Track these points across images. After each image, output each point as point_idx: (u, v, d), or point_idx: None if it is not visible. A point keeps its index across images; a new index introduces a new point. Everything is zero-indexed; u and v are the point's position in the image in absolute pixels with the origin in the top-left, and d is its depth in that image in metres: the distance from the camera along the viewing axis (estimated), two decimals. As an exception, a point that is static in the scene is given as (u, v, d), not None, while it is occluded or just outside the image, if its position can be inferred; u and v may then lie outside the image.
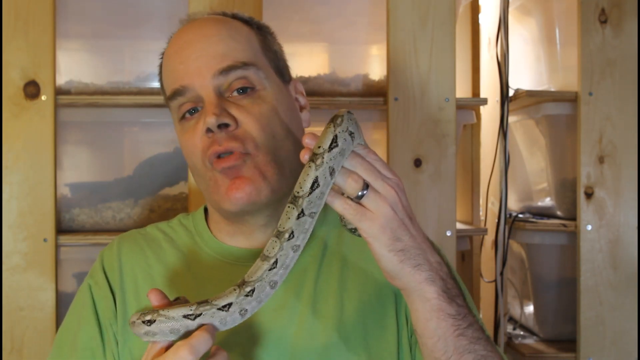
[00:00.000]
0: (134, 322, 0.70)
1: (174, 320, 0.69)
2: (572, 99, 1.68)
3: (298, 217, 0.70)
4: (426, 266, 0.72)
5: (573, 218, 1.70)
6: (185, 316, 0.69)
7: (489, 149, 1.91)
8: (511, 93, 1.78)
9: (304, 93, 1.00)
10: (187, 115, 0.90)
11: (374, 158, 0.73)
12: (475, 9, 1.97)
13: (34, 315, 1.46)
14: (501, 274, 1.75)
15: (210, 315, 0.69)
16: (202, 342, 0.67)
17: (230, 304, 0.70)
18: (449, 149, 1.55)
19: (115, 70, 1.60)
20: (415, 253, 0.72)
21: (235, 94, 0.88)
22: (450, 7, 1.56)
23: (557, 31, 1.81)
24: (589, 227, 1.65)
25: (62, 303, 1.48)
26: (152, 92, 1.57)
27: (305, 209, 0.70)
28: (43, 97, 1.48)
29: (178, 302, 0.74)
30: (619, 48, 1.65)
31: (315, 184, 0.69)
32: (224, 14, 0.96)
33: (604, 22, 1.64)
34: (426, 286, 0.72)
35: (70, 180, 1.59)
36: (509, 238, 1.77)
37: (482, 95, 1.91)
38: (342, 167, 0.72)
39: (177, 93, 0.89)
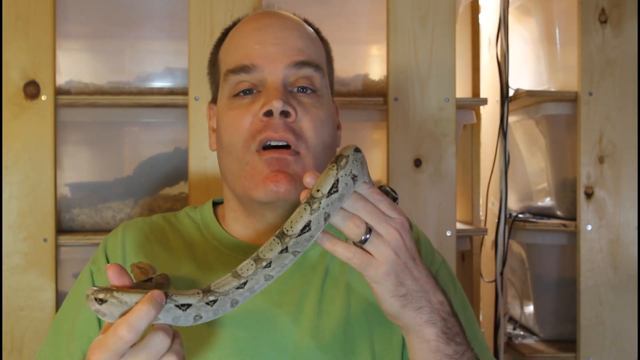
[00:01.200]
0: (88, 295, 0.66)
1: (126, 305, 0.64)
2: (572, 99, 1.68)
3: (280, 252, 0.68)
4: (427, 308, 0.72)
5: (573, 218, 1.70)
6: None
7: (489, 149, 1.91)
8: (511, 93, 1.78)
9: (339, 114, 1.02)
10: (241, 94, 0.89)
11: (378, 198, 0.71)
12: (475, 9, 1.97)
13: (34, 315, 1.46)
14: (501, 274, 1.75)
15: (166, 309, 0.65)
16: (141, 317, 0.62)
17: (189, 305, 0.66)
18: (449, 149, 1.55)
19: (115, 70, 1.60)
20: (418, 296, 0.71)
21: (296, 90, 0.88)
22: (450, 7, 1.56)
23: (557, 31, 1.81)
24: (589, 227, 1.65)
25: (62, 303, 1.48)
26: (152, 92, 1.57)
27: (290, 247, 0.68)
28: (43, 97, 1.48)
29: (143, 284, 0.71)
30: (619, 48, 1.65)
31: (306, 227, 0.68)
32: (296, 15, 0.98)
33: (604, 22, 1.64)
34: (426, 328, 0.72)
35: (70, 180, 1.59)
36: (509, 238, 1.77)
37: (482, 95, 1.91)
38: (343, 208, 0.70)
39: (244, 69, 0.88)
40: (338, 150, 0.71)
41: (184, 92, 1.54)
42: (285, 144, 0.85)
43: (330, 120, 0.92)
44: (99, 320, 0.88)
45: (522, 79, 1.96)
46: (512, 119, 1.90)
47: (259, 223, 0.91)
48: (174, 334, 0.66)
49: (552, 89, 1.84)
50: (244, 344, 0.84)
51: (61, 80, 1.55)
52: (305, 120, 0.86)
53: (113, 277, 0.67)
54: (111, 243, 0.94)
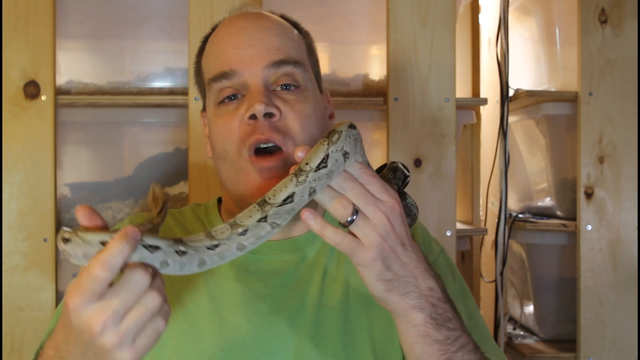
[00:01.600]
0: (57, 236, 0.64)
1: (89, 245, 0.62)
2: (572, 99, 1.68)
3: (259, 221, 0.67)
4: (415, 294, 0.72)
5: (573, 218, 1.70)
6: (102, 242, 0.61)
7: (489, 149, 1.91)
8: (511, 93, 1.78)
9: (331, 102, 1.02)
10: (226, 100, 0.89)
11: (369, 180, 0.70)
12: (475, 9, 1.97)
13: (34, 315, 1.46)
14: (501, 274, 1.75)
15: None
16: (115, 254, 0.59)
17: (157, 248, 0.63)
18: (449, 149, 1.55)
19: (115, 70, 1.60)
20: (405, 281, 0.71)
21: (279, 89, 0.89)
22: (450, 7, 1.56)
23: (557, 31, 1.81)
24: (589, 227, 1.65)
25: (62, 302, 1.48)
26: (152, 92, 1.57)
27: (269, 216, 0.67)
28: (43, 97, 1.48)
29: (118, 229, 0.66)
30: (619, 48, 1.65)
31: (289, 198, 0.67)
32: (272, 12, 0.97)
33: (604, 22, 1.64)
34: (413, 313, 0.72)
35: (70, 180, 1.59)
36: (509, 238, 1.77)
37: (482, 95, 1.91)
38: (331, 187, 0.69)
39: (224, 76, 0.89)
40: (332, 126, 0.70)
41: (184, 92, 1.54)
42: (273, 144, 0.85)
43: (319, 113, 0.92)
44: None
45: (522, 79, 1.96)
46: (512, 119, 1.90)
47: None
48: (154, 271, 0.63)
49: (552, 89, 1.84)
50: (246, 337, 0.85)
51: (61, 80, 1.55)
52: (290, 117, 0.87)
53: (83, 218, 0.65)
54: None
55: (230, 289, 0.88)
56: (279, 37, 0.90)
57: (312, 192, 0.67)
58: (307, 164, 0.67)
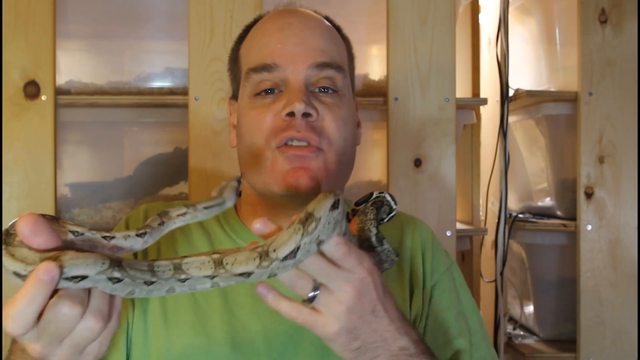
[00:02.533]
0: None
1: (5, 269, 0.57)
2: (572, 99, 1.68)
3: (205, 277, 0.61)
4: (384, 357, 0.69)
5: (573, 218, 1.70)
6: (16, 273, 0.57)
7: (489, 149, 1.91)
8: (511, 93, 1.78)
9: (358, 110, 1.02)
10: (263, 93, 0.89)
11: (342, 257, 0.64)
12: (475, 9, 1.97)
13: (34, 315, 1.46)
14: (501, 274, 1.75)
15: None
16: (23, 308, 0.55)
17: (85, 277, 0.55)
18: (449, 149, 1.55)
19: (115, 70, 1.60)
20: (374, 347, 0.68)
21: (317, 90, 0.89)
22: (450, 7, 1.56)
23: (557, 31, 1.81)
24: (589, 227, 1.64)
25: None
26: (152, 92, 1.57)
27: (217, 278, 0.61)
28: (43, 97, 1.48)
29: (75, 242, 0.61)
30: (619, 48, 1.65)
31: (246, 274, 0.60)
32: (316, 12, 0.97)
33: (604, 22, 1.64)
34: None
35: (70, 180, 1.59)
36: (509, 238, 1.77)
37: (482, 95, 1.91)
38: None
39: (266, 68, 0.88)
40: (311, 204, 0.62)
41: (184, 92, 1.54)
42: (306, 143, 0.85)
43: (352, 119, 0.92)
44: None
45: (522, 79, 1.96)
46: (512, 119, 1.90)
47: (279, 217, 0.91)
48: (91, 290, 0.57)
49: (552, 89, 1.84)
50: (255, 335, 0.85)
51: (61, 80, 1.55)
52: (327, 119, 0.87)
53: (26, 231, 0.56)
54: (133, 221, 0.94)
55: (240, 285, 0.88)
56: (324, 39, 0.90)
57: (273, 275, 0.61)
58: (274, 250, 0.60)
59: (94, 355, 0.60)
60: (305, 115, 0.85)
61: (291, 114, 0.85)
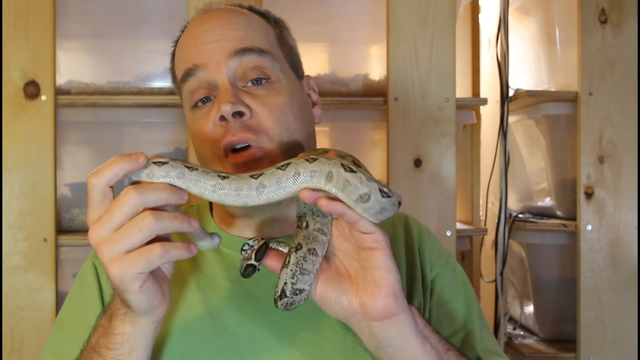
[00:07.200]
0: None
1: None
2: (572, 99, 1.68)
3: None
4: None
5: (573, 218, 1.70)
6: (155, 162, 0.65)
7: (489, 149, 1.91)
8: (511, 93, 1.78)
9: (316, 89, 0.99)
10: (200, 103, 0.88)
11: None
12: (475, 9, 1.97)
13: (34, 315, 1.46)
14: (501, 274, 1.75)
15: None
16: (108, 166, 0.63)
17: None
18: (449, 149, 1.55)
19: (115, 70, 1.60)
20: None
21: (249, 84, 0.87)
22: (450, 7, 1.56)
23: (557, 31, 1.81)
24: (589, 227, 1.65)
25: (62, 303, 1.48)
26: (152, 92, 1.57)
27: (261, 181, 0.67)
28: (43, 97, 1.48)
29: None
30: (619, 48, 1.65)
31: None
32: (240, 6, 0.96)
33: (604, 22, 1.64)
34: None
35: (70, 180, 1.59)
36: (509, 238, 1.77)
37: (482, 95, 1.91)
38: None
39: (189, 73, 0.87)
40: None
41: (184, 92, 1.54)
42: (247, 144, 0.84)
43: (296, 103, 0.89)
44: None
45: (522, 79, 1.96)
46: (512, 119, 1.90)
47: (252, 221, 0.91)
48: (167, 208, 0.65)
49: (552, 89, 1.84)
50: (239, 339, 0.84)
51: (61, 80, 1.55)
52: (262, 112, 0.85)
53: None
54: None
55: (222, 289, 0.87)
56: (241, 30, 0.88)
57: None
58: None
59: (134, 261, 0.63)
60: (237, 114, 0.83)
61: (223, 118, 0.83)
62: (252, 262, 0.71)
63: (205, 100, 0.87)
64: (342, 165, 0.64)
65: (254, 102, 0.85)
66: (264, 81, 0.87)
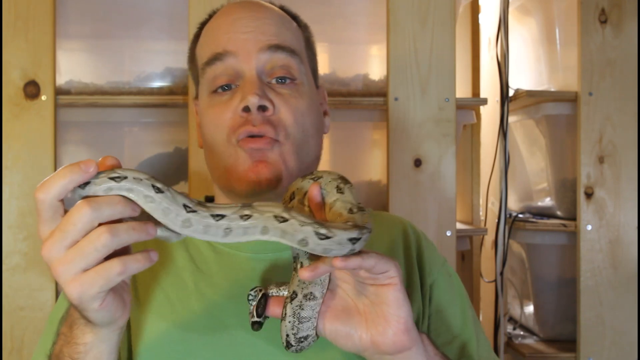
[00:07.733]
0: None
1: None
2: (572, 99, 1.68)
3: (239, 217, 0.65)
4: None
5: (573, 218, 1.70)
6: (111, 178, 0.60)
7: (489, 149, 1.91)
8: (511, 93, 1.78)
9: (327, 100, 1.01)
10: (220, 90, 0.88)
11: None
12: (475, 9, 1.97)
13: (34, 315, 1.46)
14: (501, 274, 1.75)
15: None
16: (53, 180, 0.58)
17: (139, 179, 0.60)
18: (449, 149, 1.55)
19: (115, 70, 1.60)
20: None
21: (274, 81, 0.87)
22: (450, 7, 1.56)
23: (557, 31, 1.81)
24: (589, 227, 1.65)
25: (62, 303, 1.48)
26: (152, 92, 1.57)
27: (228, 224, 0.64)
28: (43, 97, 1.48)
29: None
30: (619, 48, 1.65)
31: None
32: (272, 3, 0.96)
33: (604, 22, 1.64)
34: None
35: (70, 180, 1.59)
36: (509, 238, 1.77)
37: (482, 95, 1.91)
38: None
39: (217, 57, 0.87)
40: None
41: (184, 92, 1.54)
42: (264, 136, 0.84)
43: (313, 109, 0.91)
44: None
45: (522, 79, 1.96)
46: (512, 119, 1.90)
47: None
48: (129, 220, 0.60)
49: (552, 89, 1.84)
50: (243, 347, 0.84)
51: (61, 80, 1.55)
52: (283, 111, 0.86)
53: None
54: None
55: (221, 288, 0.87)
56: (276, 26, 0.89)
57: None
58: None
59: (92, 281, 0.59)
60: (261, 108, 0.84)
61: (247, 109, 0.84)
62: (256, 319, 0.70)
63: (226, 87, 0.88)
64: (275, 217, 0.62)
65: (278, 99, 0.86)
66: (288, 81, 0.88)
